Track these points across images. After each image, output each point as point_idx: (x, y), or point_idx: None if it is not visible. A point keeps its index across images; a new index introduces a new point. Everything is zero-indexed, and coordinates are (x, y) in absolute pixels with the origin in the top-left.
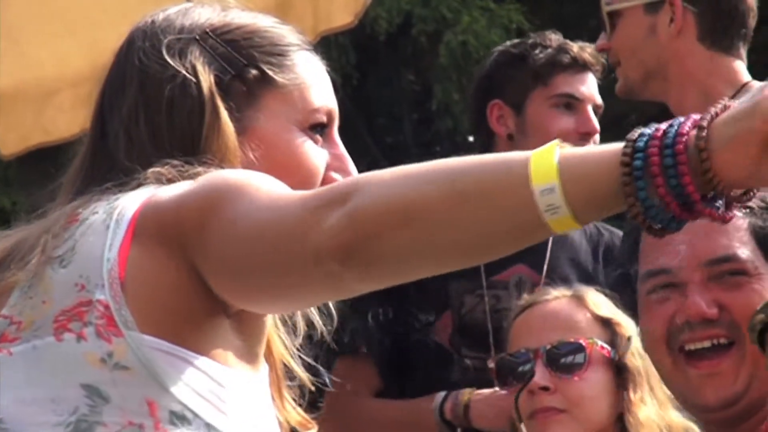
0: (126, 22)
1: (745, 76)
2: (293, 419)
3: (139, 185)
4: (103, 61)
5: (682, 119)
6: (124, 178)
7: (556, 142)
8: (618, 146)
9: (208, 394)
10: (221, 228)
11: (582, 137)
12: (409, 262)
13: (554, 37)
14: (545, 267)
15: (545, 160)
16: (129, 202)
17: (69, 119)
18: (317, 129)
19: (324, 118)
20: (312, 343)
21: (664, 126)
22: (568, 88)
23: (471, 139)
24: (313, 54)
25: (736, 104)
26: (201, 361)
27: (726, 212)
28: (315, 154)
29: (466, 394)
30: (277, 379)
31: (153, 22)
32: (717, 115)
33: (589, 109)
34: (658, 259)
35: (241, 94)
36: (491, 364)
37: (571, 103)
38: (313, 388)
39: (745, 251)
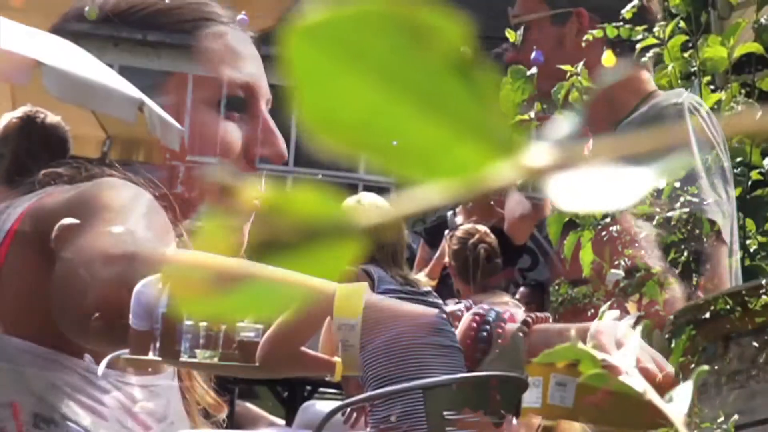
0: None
1: (651, 85)
2: (205, 402)
3: (34, 187)
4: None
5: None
6: (22, 180)
7: (365, 284)
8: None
9: (84, 397)
10: (64, 253)
11: None
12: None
13: None
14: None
15: (353, 296)
16: (17, 207)
17: None
18: (233, 104)
19: (240, 93)
20: None
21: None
22: None
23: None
24: (234, 28)
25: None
26: (80, 365)
27: None
28: (226, 130)
29: None
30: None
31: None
32: (536, 320)
33: None
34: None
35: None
36: None
37: None
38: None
39: (654, 261)
